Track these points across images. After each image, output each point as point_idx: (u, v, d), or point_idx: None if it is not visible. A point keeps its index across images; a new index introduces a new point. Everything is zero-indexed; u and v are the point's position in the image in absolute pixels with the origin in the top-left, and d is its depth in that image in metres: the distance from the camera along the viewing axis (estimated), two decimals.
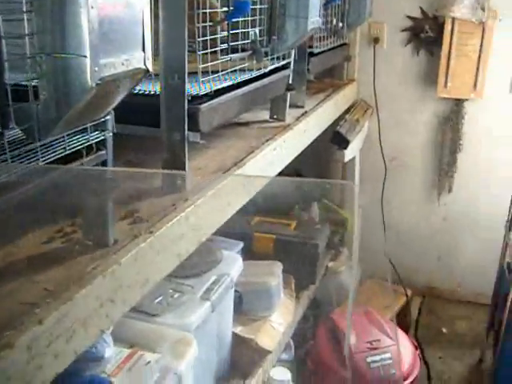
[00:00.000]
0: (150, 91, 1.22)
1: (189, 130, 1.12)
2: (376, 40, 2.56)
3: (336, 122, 2.19)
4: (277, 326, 1.75)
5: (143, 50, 0.80)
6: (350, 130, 2.21)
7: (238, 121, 1.63)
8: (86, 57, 0.68)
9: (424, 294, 2.80)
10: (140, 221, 0.99)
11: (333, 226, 2.30)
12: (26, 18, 0.70)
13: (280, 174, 1.51)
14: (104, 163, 0.87)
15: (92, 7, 0.68)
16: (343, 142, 2.15)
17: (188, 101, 1.11)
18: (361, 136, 2.41)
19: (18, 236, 0.89)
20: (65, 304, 0.73)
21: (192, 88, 1.19)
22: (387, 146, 2.64)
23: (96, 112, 0.80)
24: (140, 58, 0.80)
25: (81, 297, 0.76)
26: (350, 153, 2.23)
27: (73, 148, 0.81)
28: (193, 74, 1.16)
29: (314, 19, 1.49)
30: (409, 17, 2.49)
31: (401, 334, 2.06)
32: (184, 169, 1.14)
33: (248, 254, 1.80)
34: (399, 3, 2.49)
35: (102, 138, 0.85)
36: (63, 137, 0.80)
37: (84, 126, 0.83)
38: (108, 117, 0.86)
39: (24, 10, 0.69)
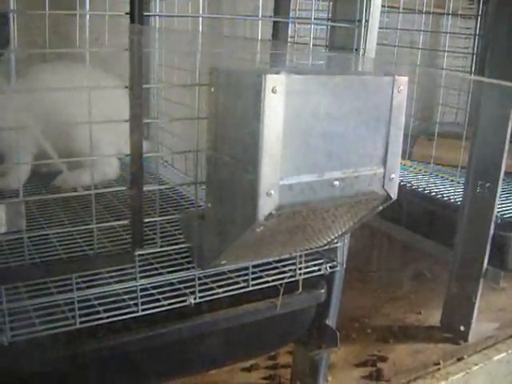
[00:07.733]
0: (448, 196, 0.96)
1: (490, 263, 0.82)
2: None
3: None
4: None
5: (384, 164, 0.52)
6: None
7: None
8: (255, 171, 0.45)
9: None
10: (378, 376, 0.75)
11: None
12: None
13: None
14: (322, 306, 0.66)
15: (268, 90, 0.45)
16: None
17: (496, 224, 0.81)
18: None
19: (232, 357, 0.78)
20: None
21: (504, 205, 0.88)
22: None
23: (288, 246, 0.58)
24: (373, 176, 0.52)
25: None
26: None
27: (261, 283, 0.64)
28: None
29: None
30: None
31: None
32: (471, 312, 0.84)
33: None
34: None
35: (322, 272, 0.64)
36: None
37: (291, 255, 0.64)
38: (338, 244, 0.62)
39: None
